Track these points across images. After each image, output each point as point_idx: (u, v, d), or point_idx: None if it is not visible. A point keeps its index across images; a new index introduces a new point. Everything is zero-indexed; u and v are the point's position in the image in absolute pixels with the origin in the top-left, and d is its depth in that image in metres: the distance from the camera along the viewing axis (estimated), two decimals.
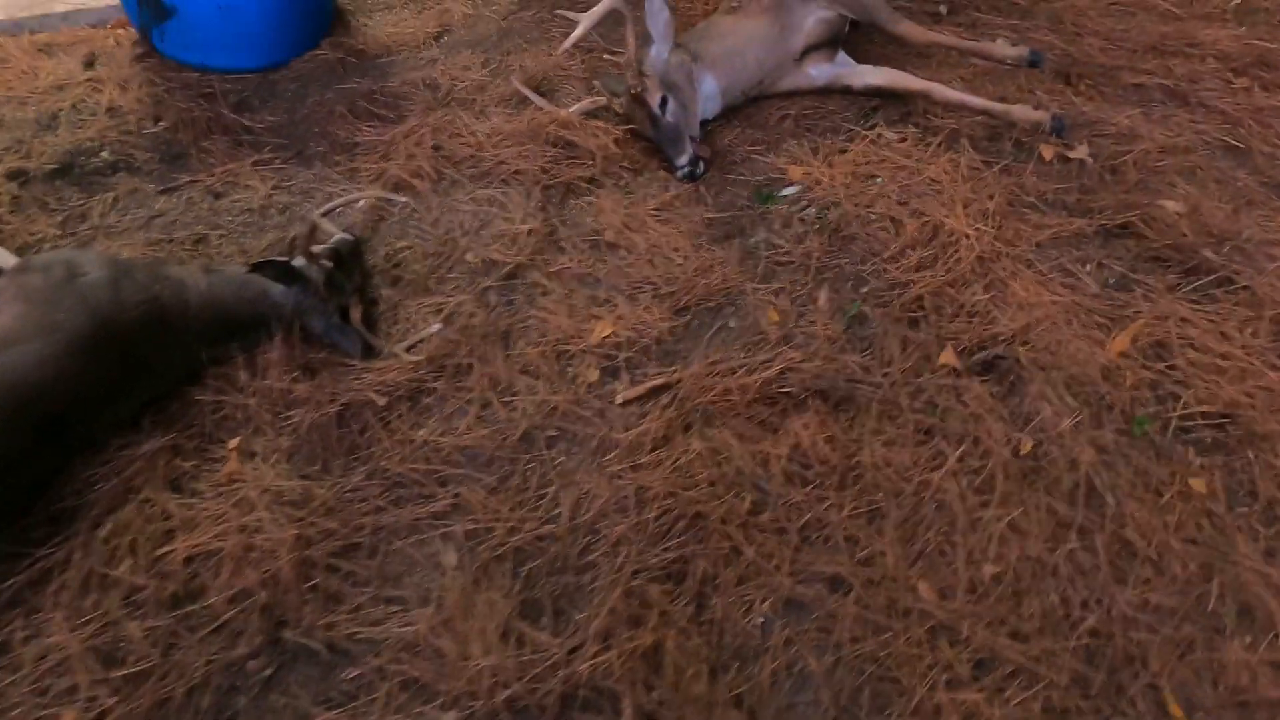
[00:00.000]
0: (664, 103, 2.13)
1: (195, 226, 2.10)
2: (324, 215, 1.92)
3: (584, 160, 2.24)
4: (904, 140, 2.33)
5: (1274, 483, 1.54)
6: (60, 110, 2.45)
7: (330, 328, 1.77)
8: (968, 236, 2.00)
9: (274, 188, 2.22)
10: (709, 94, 2.27)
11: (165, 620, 1.37)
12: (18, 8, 2.75)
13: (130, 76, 2.56)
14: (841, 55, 2.51)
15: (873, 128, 2.38)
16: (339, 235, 1.97)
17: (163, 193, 2.21)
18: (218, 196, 2.20)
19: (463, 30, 2.86)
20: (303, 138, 2.40)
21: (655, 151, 2.25)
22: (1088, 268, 1.97)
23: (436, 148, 2.29)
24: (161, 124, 2.42)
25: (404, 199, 2.10)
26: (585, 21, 2.21)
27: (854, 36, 2.63)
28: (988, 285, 1.91)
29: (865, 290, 1.92)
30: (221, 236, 2.08)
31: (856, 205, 2.12)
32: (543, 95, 2.48)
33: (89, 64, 2.64)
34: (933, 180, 2.18)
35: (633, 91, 2.16)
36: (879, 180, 2.19)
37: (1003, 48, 2.48)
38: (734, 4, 2.49)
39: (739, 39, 2.33)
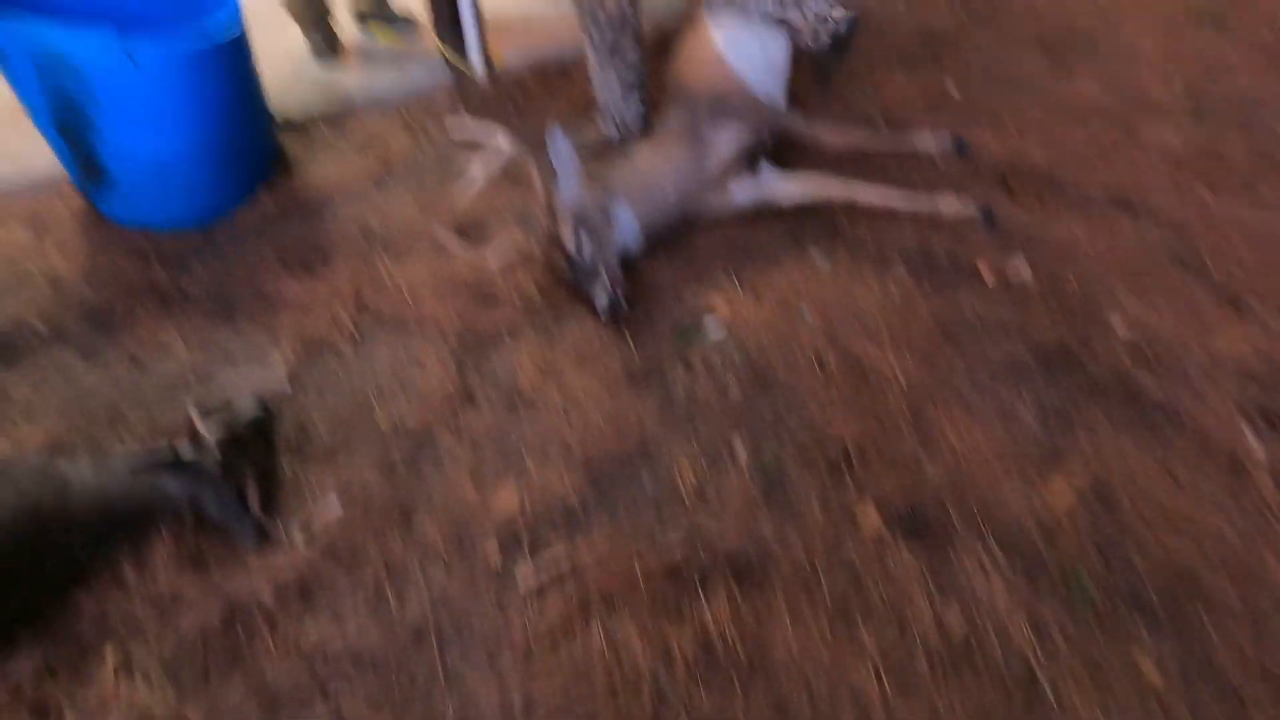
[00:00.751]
0: (578, 241, 2.08)
1: (113, 402, 2.07)
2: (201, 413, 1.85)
3: (505, 307, 2.19)
4: (833, 262, 2.26)
5: (1234, 661, 1.38)
6: (3, 284, 2.47)
7: (226, 514, 1.70)
8: (896, 373, 1.90)
9: (195, 352, 2.19)
10: (627, 227, 2.23)
11: None
12: None
13: (73, 241, 2.59)
14: (766, 172, 2.47)
15: (802, 251, 2.31)
16: (245, 408, 1.93)
17: (87, 365, 2.19)
18: (140, 366, 2.17)
19: (402, 168, 2.87)
20: (231, 294, 2.38)
21: (577, 293, 2.20)
22: (1027, 401, 1.86)
23: (359, 299, 2.26)
24: (96, 290, 2.42)
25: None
26: (480, 171, 2.19)
27: (783, 150, 2.60)
28: (917, 428, 1.80)
29: (787, 440, 1.82)
30: (138, 412, 2.04)
31: (781, 341, 2.04)
32: (472, 235, 2.47)
33: (37, 231, 2.68)
34: (861, 309, 2.10)
35: (545, 231, 2.13)
36: (805, 311, 2.11)
37: (924, 139, 2.43)
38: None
39: (655, 168, 2.30)
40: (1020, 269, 2.20)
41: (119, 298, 2.38)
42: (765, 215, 2.44)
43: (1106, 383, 1.86)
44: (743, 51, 2.47)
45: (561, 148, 2.10)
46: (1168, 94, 2.93)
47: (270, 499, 1.78)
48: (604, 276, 2.08)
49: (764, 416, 1.87)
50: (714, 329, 2.11)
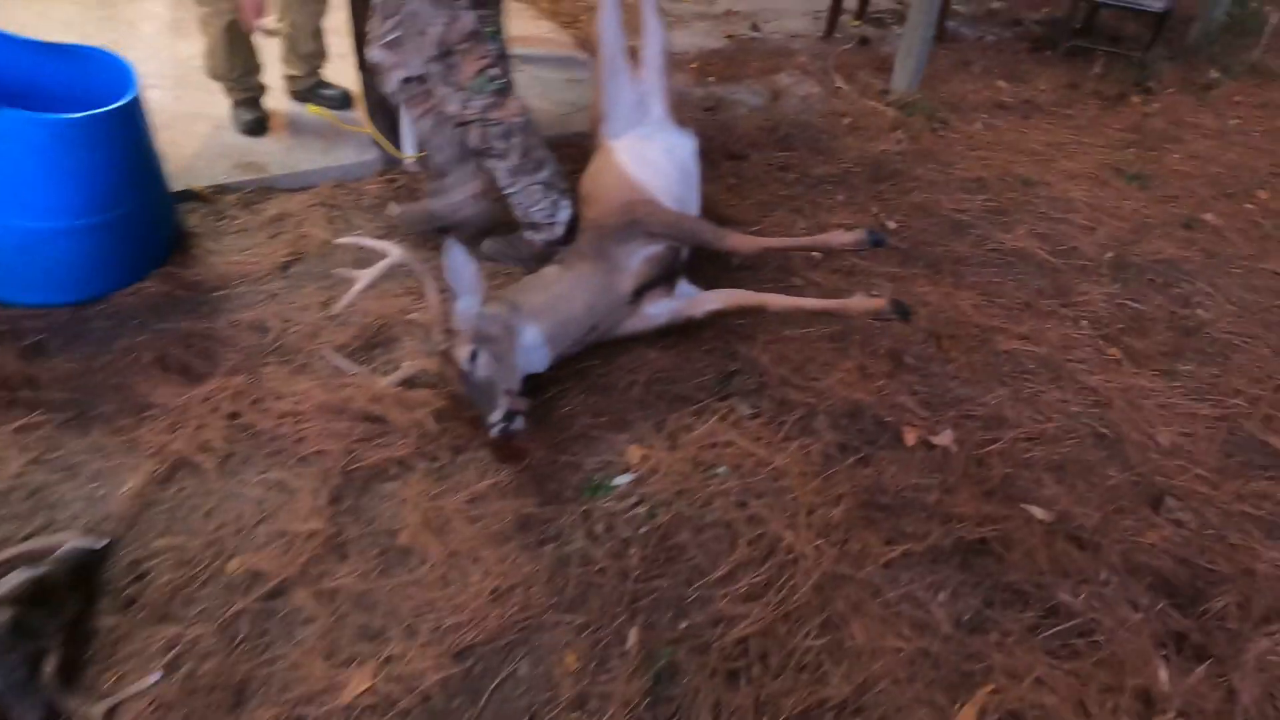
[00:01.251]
0: (473, 356, 1.90)
1: None
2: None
3: (397, 438, 2.00)
4: (757, 417, 2.14)
5: None
6: None
7: (9, 688, 1.44)
8: (807, 556, 1.76)
9: (31, 461, 1.92)
10: (532, 344, 2.06)
11: None
12: None
13: None
14: (683, 286, 2.37)
15: (726, 398, 2.19)
16: (71, 544, 1.68)
17: None
18: None
19: (315, 260, 2.68)
20: (93, 393, 2.13)
21: (473, 417, 2.01)
22: (940, 597, 1.74)
23: (234, 415, 2.04)
24: None
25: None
26: (363, 279, 2.03)
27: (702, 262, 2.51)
28: (824, 624, 1.66)
29: (684, 627, 1.65)
30: None
31: (692, 504, 1.89)
32: (376, 349, 2.28)
33: None
34: (779, 474, 1.97)
35: (439, 349, 1.96)
36: (721, 471, 1.98)
37: (840, 235, 2.36)
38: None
39: (563, 287, 2.17)
40: (945, 439, 2.12)
41: None
42: (696, 354, 2.32)
43: (1025, 588, 1.75)
44: (648, 163, 2.44)
45: (458, 261, 1.95)
46: (1095, 250, 2.96)
47: (75, 667, 1.52)
48: (499, 394, 1.88)
49: (664, 598, 1.70)
50: (623, 481, 1.95)
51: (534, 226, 2.55)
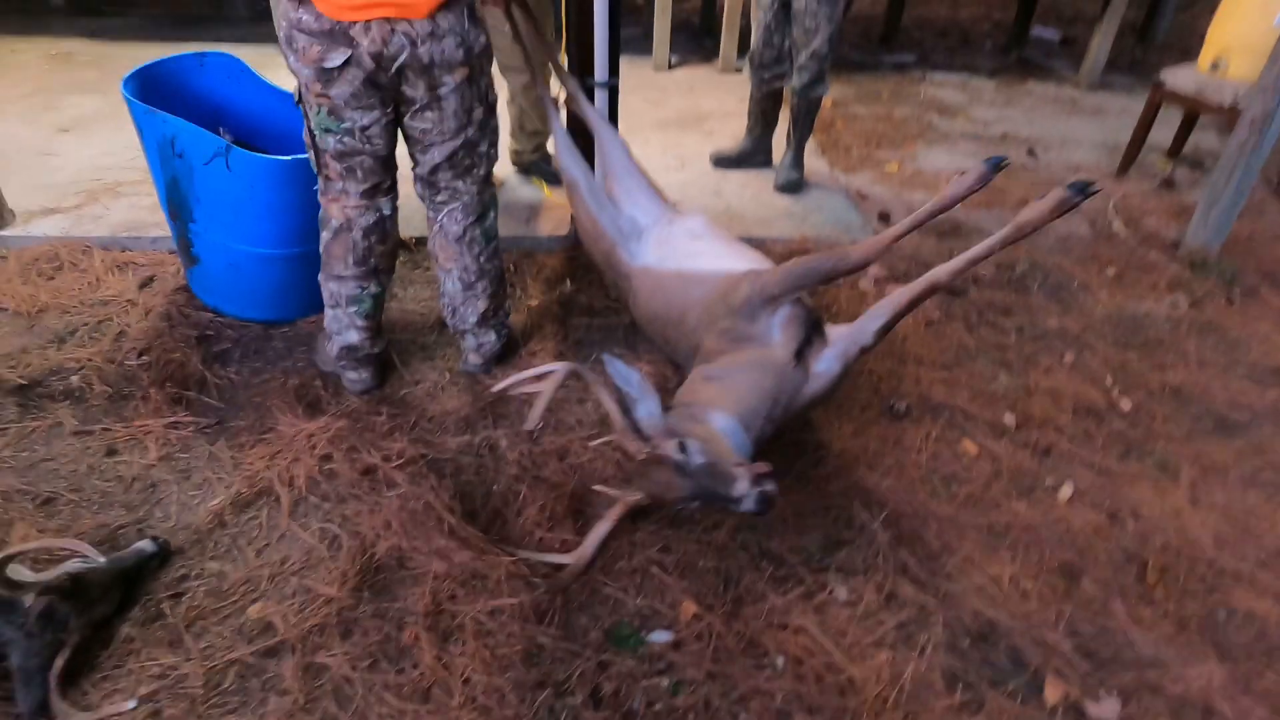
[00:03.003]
0: (683, 447, 1.66)
1: (60, 483, 2.02)
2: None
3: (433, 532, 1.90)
4: (853, 604, 1.74)
5: None
6: (84, 325, 2.61)
7: (23, 670, 1.52)
8: None
9: (161, 458, 2.11)
10: (728, 430, 1.81)
11: None
12: (123, 228, 3.09)
13: (159, 305, 2.71)
14: (833, 330, 2.06)
15: (822, 572, 1.81)
16: (135, 546, 1.78)
17: (76, 434, 2.19)
18: (110, 454, 2.13)
19: None
20: (239, 406, 2.32)
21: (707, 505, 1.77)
22: None
23: (326, 457, 2.08)
24: (143, 359, 2.48)
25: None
26: (545, 394, 1.83)
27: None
28: None
29: None
30: (71, 503, 1.97)
31: (724, 696, 1.55)
32: (486, 416, 2.24)
33: (143, 285, 2.85)
34: (848, 689, 1.55)
35: (640, 455, 1.72)
36: (778, 664, 1.60)
37: (958, 181, 1.89)
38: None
39: (727, 375, 1.93)
40: (1109, 711, 1.54)
41: (151, 374, 2.40)
42: (803, 511, 1.97)
43: None
44: (692, 254, 2.31)
45: (621, 369, 1.79)
46: None
47: (81, 669, 1.57)
48: (729, 468, 1.63)
49: None
50: (660, 640, 1.66)
51: None
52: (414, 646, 1.63)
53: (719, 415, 1.83)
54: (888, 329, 2.01)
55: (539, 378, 1.85)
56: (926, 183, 3.94)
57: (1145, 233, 3.50)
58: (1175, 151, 4.39)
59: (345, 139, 1.97)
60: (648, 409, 1.76)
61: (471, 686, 1.55)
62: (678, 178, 3.86)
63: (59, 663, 1.54)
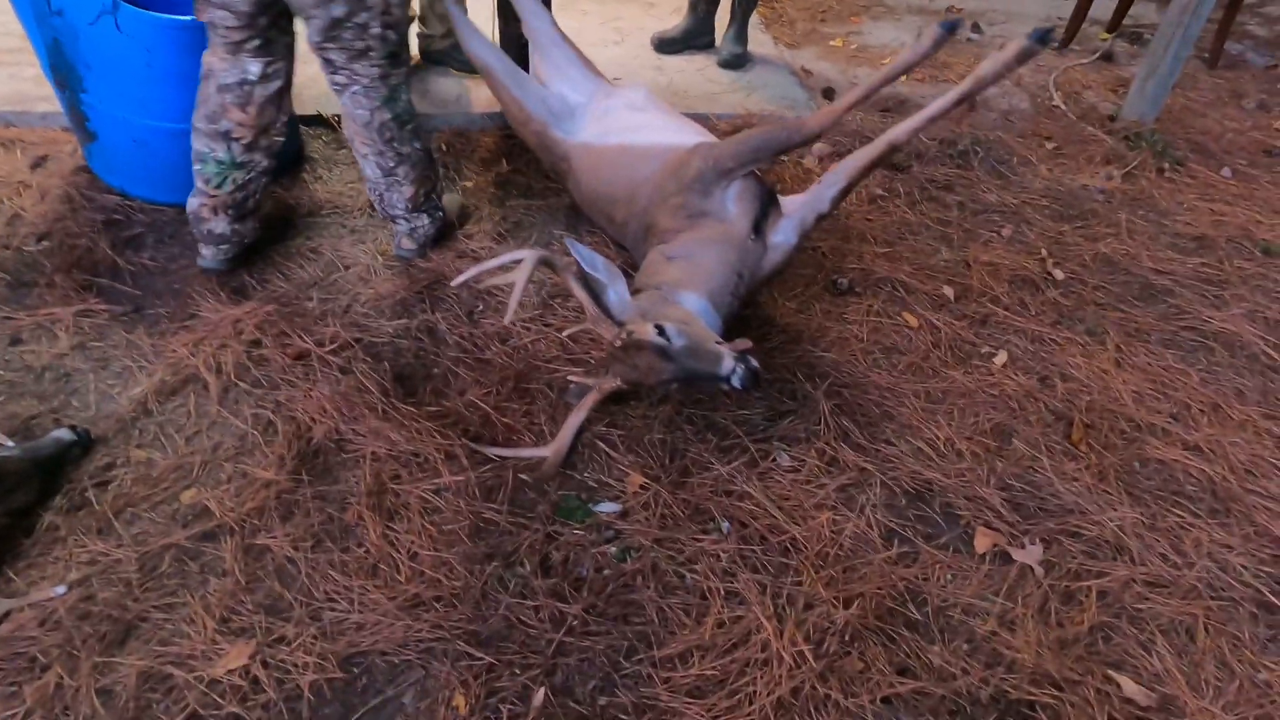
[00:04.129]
0: (660, 330, 1.61)
1: None
2: None
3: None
4: (796, 470, 1.78)
5: None
6: None
7: None
8: (784, 660, 1.40)
9: (74, 346, 1.99)
10: (700, 310, 1.79)
11: None
12: (4, 101, 2.80)
13: (56, 187, 2.49)
14: (789, 201, 2.07)
15: (766, 440, 1.84)
16: (52, 435, 1.69)
17: None
18: (14, 343, 1.99)
19: None
20: (155, 293, 2.18)
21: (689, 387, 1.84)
22: None
23: (255, 343, 1.99)
24: (43, 244, 2.29)
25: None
26: (517, 286, 1.70)
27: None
28: None
29: (602, 704, 1.36)
30: None
31: (671, 559, 1.58)
32: (424, 302, 2.15)
33: (35, 165, 2.61)
34: (792, 548, 1.60)
35: (619, 342, 1.65)
36: (723, 527, 1.64)
37: (914, 48, 1.92)
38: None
39: (690, 254, 1.89)
40: (1031, 556, 1.64)
41: (55, 260, 2.23)
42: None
43: None
44: (634, 127, 2.25)
45: (586, 254, 1.72)
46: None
47: (4, 553, 1.51)
48: (711, 347, 1.61)
49: (593, 662, 1.42)
50: (608, 511, 1.67)
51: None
52: (358, 526, 1.61)
53: (689, 295, 1.80)
54: (845, 194, 2.01)
55: (504, 268, 1.76)
56: (871, 58, 3.84)
57: (1084, 106, 3.50)
58: (1115, 25, 4.35)
59: None
60: (617, 293, 1.72)
61: (419, 561, 1.55)
62: (616, 52, 3.67)
63: None
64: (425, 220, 2.31)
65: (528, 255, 1.72)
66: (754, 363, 1.57)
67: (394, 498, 1.67)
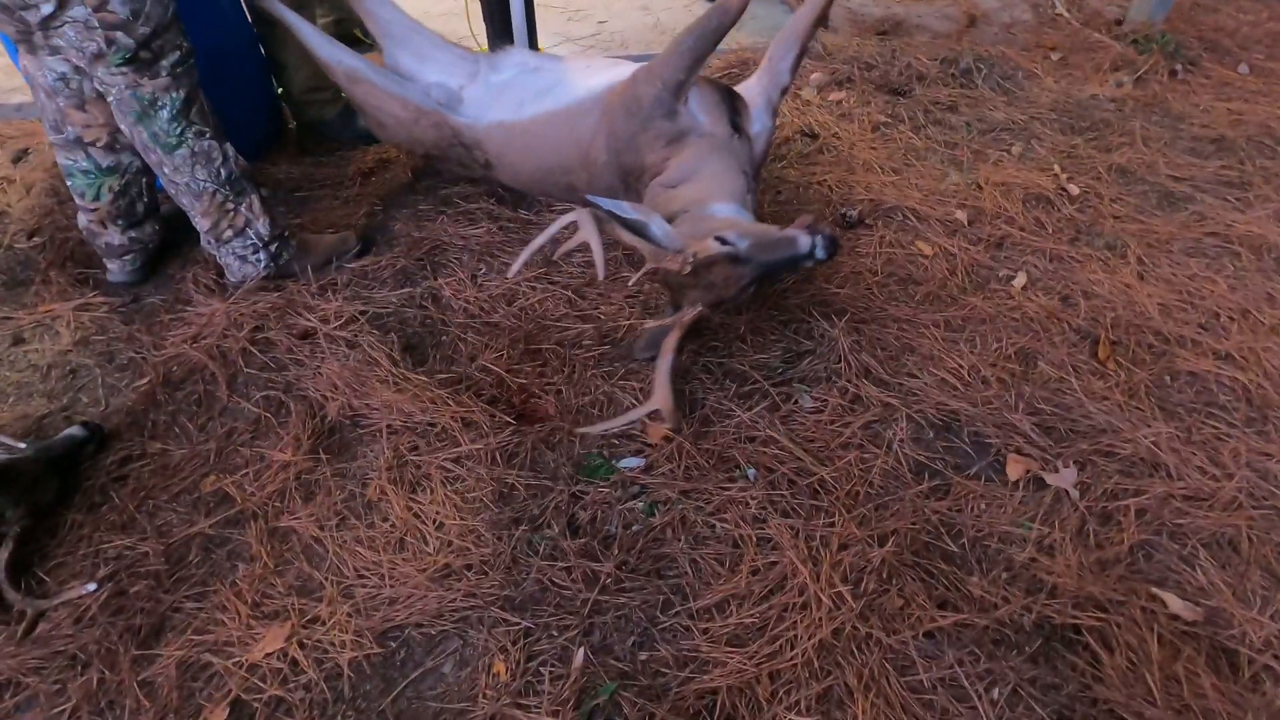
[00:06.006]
0: (721, 239, 1.59)
1: None
2: None
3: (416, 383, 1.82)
4: (819, 411, 1.74)
5: None
6: None
7: None
8: (822, 602, 1.39)
9: (77, 341, 1.95)
10: (734, 213, 1.76)
11: None
12: None
13: (40, 180, 2.43)
14: (749, 86, 2.06)
15: (784, 384, 1.80)
16: (65, 433, 1.67)
17: None
18: (17, 342, 1.96)
19: (399, 167, 2.55)
20: (155, 282, 2.14)
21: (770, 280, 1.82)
22: (994, 694, 1.30)
23: (258, 329, 1.95)
24: (34, 240, 2.24)
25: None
26: (595, 245, 1.64)
27: None
28: (820, 696, 1.29)
29: (643, 659, 1.35)
30: None
31: (700, 509, 1.56)
32: (426, 266, 2.10)
33: (17, 160, 2.55)
34: (820, 490, 1.58)
35: (688, 267, 1.60)
36: (749, 474, 1.62)
37: None
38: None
39: (693, 172, 1.85)
40: (1066, 480, 1.60)
41: (47, 256, 2.18)
42: (769, 330, 1.93)
43: (1123, 715, 1.27)
44: (541, 89, 2.12)
45: (610, 203, 1.63)
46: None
47: (33, 560, 1.50)
48: (779, 233, 1.60)
49: (630, 619, 1.41)
50: (631, 466, 1.65)
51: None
52: (381, 500, 1.59)
53: (718, 205, 1.77)
54: (799, 60, 2.02)
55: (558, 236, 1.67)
56: None
57: (1088, 12, 3.37)
58: None
59: None
60: (659, 227, 1.66)
61: (445, 531, 1.53)
62: None
63: (3, 555, 1.46)
64: (233, 261, 2.02)
65: (581, 214, 1.66)
66: (827, 230, 1.56)
67: (414, 469, 1.64)
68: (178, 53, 1.75)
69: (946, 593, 1.43)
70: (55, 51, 1.73)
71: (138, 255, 2.09)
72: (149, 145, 1.81)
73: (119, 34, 1.65)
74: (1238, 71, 2.95)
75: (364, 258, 2.17)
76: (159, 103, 1.76)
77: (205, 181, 1.88)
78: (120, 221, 2.02)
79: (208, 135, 1.85)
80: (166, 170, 1.86)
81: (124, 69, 1.69)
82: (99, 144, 1.90)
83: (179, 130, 1.80)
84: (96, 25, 1.62)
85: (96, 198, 1.96)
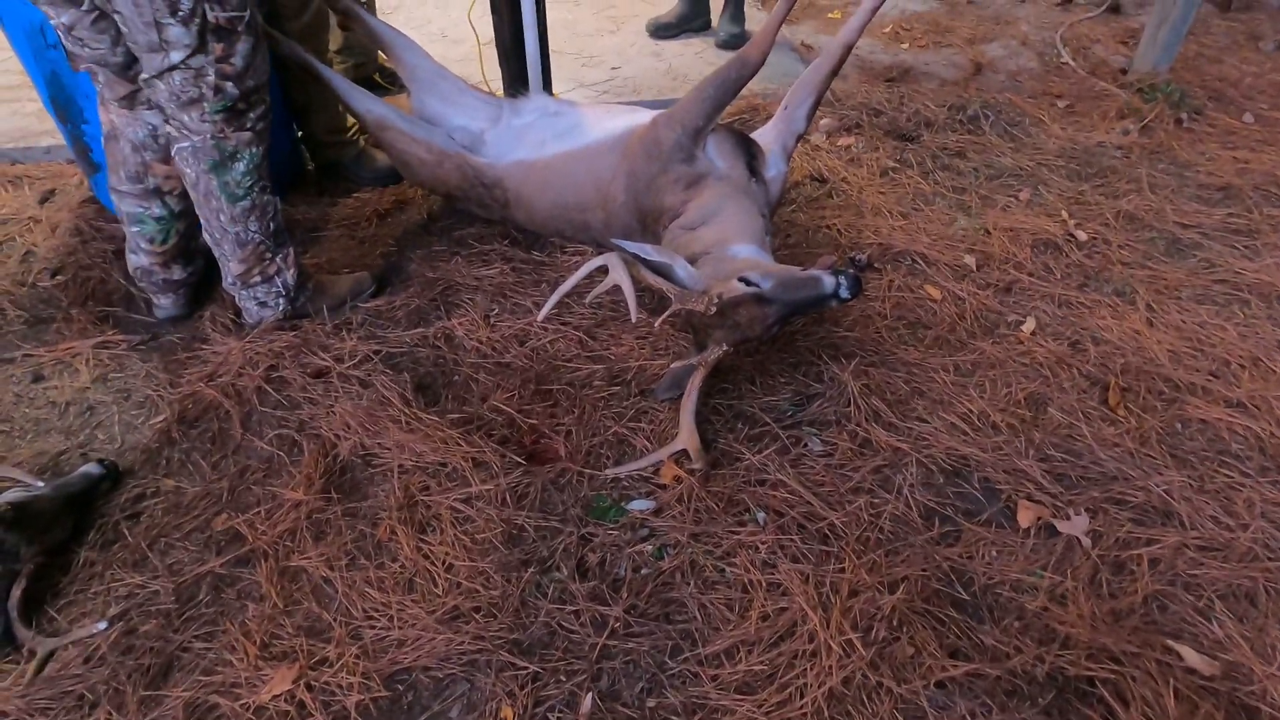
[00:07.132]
0: (745, 280, 1.63)
1: None
2: None
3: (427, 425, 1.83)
4: (828, 455, 1.74)
5: None
6: None
7: None
8: (833, 650, 1.38)
9: (96, 379, 1.99)
10: (755, 255, 1.82)
11: None
12: (7, 138, 2.80)
13: (65, 220, 2.49)
14: (765, 132, 2.14)
15: (794, 427, 1.81)
16: (81, 470, 1.68)
17: None
18: (37, 380, 1.99)
19: (416, 208, 2.60)
20: (169, 320, 2.17)
21: (793, 319, 1.85)
22: None
23: (273, 367, 1.98)
24: (57, 278, 2.29)
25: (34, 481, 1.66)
26: (627, 288, 1.70)
27: None
28: None
29: (651, 706, 1.34)
30: (2, 434, 1.85)
31: (709, 553, 1.56)
32: (439, 308, 2.13)
33: (43, 200, 2.62)
34: (830, 535, 1.57)
35: (713, 308, 1.64)
36: (759, 518, 1.61)
37: None
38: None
39: (713, 214, 1.89)
40: (1078, 527, 1.60)
41: (70, 293, 2.23)
42: (778, 373, 1.94)
43: None
44: (561, 131, 2.21)
45: (634, 248, 1.69)
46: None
47: (44, 598, 1.51)
48: (800, 272, 1.66)
49: (638, 664, 1.40)
50: (640, 508, 1.65)
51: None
52: (391, 541, 1.59)
53: (739, 247, 1.81)
54: (815, 108, 2.11)
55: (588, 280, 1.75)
56: (871, 29, 3.77)
57: (1094, 61, 3.43)
58: None
59: (66, 37, 1.69)
60: (683, 269, 1.72)
61: (455, 572, 1.53)
62: (613, 41, 3.63)
63: (16, 592, 1.47)
64: (253, 305, 2.06)
65: (610, 258, 1.73)
66: (851, 270, 1.61)
67: (425, 509, 1.65)
68: (263, 107, 1.82)
69: (958, 641, 1.41)
70: (152, 106, 1.80)
71: (190, 289, 2.17)
72: (214, 193, 1.84)
73: (229, 84, 1.71)
74: (1243, 121, 2.99)
75: (379, 298, 2.21)
76: (239, 155, 1.81)
77: (256, 233, 1.93)
78: (181, 260, 2.09)
79: (269, 190, 1.92)
80: (222, 218, 1.89)
81: (217, 117, 1.74)
82: (175, 192, 1.98)
83: (249, 184, 1.86)
84: (211, 74, 1.67)
85: (164, 240, 2.03)
